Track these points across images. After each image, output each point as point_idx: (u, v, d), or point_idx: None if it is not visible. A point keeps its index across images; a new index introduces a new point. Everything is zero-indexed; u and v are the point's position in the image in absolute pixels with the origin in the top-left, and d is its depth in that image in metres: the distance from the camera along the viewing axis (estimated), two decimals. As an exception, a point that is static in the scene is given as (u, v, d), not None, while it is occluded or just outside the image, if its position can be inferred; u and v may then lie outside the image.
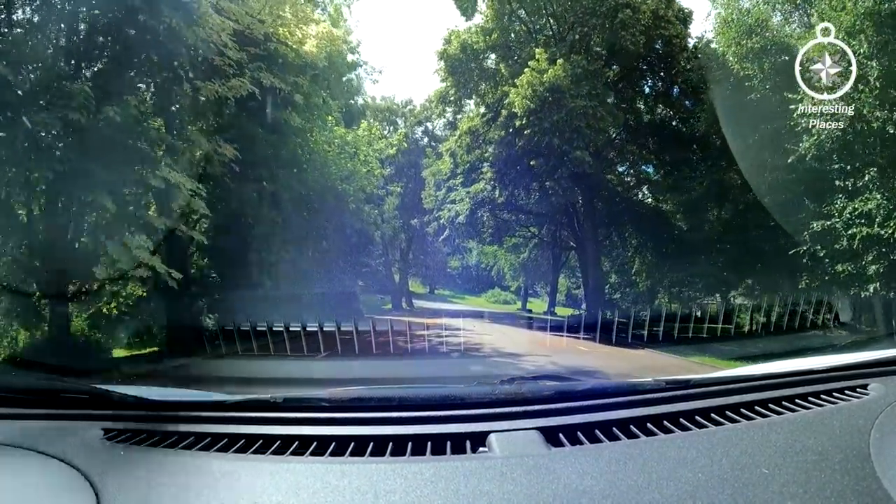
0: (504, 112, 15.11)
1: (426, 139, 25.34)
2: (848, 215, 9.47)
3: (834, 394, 1.34)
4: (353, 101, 19.32)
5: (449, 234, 18.95)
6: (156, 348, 9.59)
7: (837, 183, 9.82)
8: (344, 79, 16.93)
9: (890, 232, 8.84)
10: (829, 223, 9.69)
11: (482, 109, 17.41)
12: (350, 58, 16.76)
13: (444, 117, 20.62)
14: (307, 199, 12.60)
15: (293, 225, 12.25)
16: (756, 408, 1.25)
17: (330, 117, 14.74)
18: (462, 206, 17.22)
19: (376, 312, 22.08)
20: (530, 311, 30.77)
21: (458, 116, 19.53)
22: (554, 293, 29.30)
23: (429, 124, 25.90)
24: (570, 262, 29.84)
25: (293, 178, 11.96)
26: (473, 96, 18.35)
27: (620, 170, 18.88)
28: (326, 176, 13.71)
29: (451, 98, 18.54)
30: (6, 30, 7.39)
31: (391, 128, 26.21)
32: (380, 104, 25.17)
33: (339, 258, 16.97)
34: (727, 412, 1.22)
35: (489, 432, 1.11)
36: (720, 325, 12.33)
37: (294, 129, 12.00)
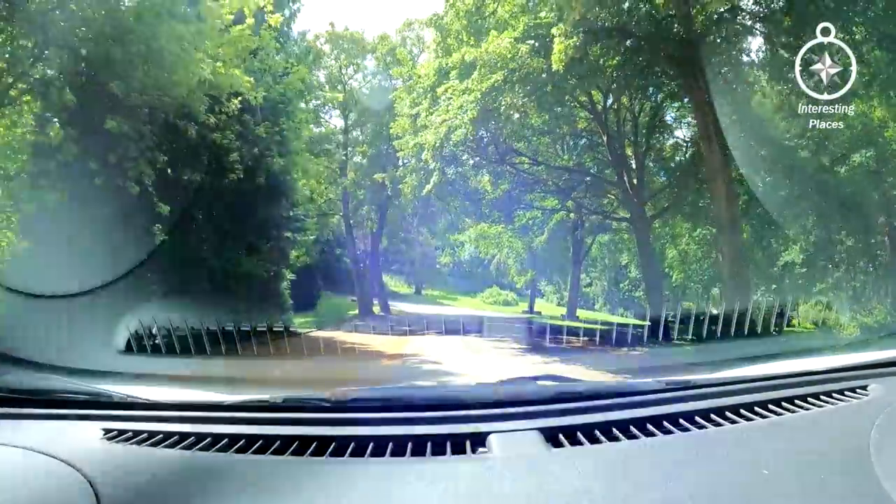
0: None
1: (401, 80, 17.17)
2: None
3: (834, 394, 1.34)
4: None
5: (437, 179, 11.00)
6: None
7: None
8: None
9: None
10: None
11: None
12: None
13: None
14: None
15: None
16: (756, 408, 1.25)
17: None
18: (461, 111, 9.67)
19: (330, 322, 15.89)
20: (539, 313, 27.64)
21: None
22: (576, 291, 23.84)
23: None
24: (592, 250, 24.81)
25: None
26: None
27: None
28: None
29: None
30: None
31: (355, 68, 18.33)
32: (341, 33, 17.68)
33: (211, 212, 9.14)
34: (727, 413, 1.22)
35: (489, 433, 1.11)
36: None
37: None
